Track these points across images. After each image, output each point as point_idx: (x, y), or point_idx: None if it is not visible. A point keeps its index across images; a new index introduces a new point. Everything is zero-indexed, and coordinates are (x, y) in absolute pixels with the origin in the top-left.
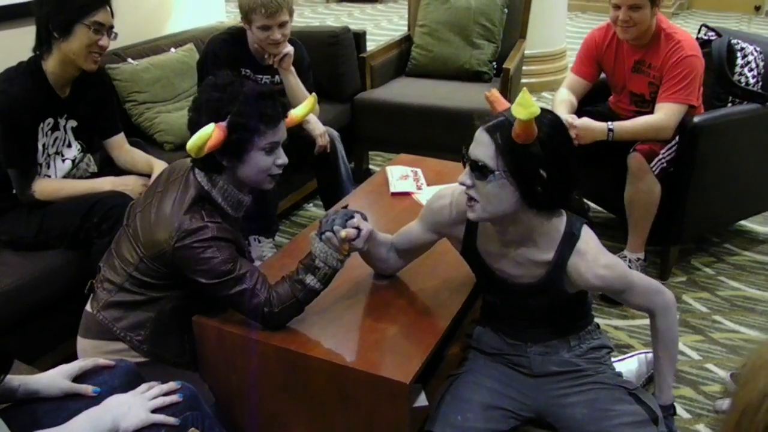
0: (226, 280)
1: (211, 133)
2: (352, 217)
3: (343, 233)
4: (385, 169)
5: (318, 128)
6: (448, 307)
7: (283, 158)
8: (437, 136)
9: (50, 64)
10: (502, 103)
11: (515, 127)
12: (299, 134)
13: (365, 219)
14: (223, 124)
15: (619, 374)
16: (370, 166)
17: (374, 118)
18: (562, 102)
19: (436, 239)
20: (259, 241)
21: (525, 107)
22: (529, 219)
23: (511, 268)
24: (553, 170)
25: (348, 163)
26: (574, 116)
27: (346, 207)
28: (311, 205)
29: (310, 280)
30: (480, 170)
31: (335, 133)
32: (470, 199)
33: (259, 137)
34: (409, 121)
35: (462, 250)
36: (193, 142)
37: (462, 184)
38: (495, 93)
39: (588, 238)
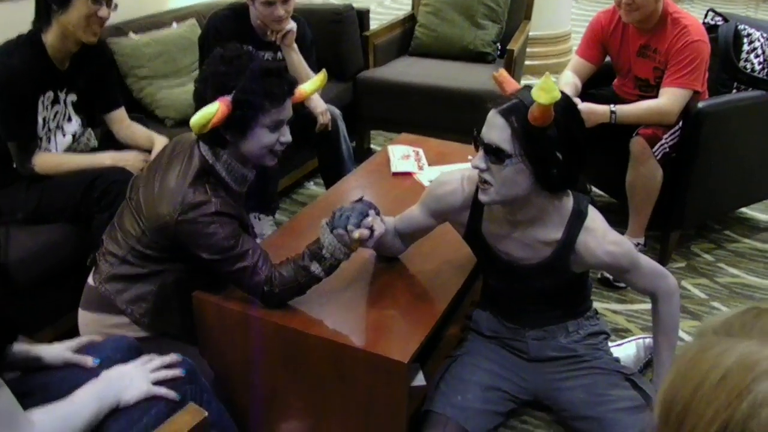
0: (228, 256)
1: (215, 111)
2: (367, 214)
3: (356, 234)
4: (386, 148)
5: (320, 106)
6: (447, 289)
7: (287, 136)
8: (439, 116)
9: (50, 37)
10: (511, 84)
11: (533, 111)
12: (301, 112)
13: (378, 213)
14: (228, 98)
15: (617, 359)
16: (372, 146)
17: (376, 97)
18: (567, 84)
19: (437, 224)
20: (259, 219)
21: (547, 92)
22: (540, 200)
23: (518, 249)
24: (568, 152)
25: (349, 142)
26: (578, 99)
27: (360, 199)
28: (312, 183)
29: (315, 267)
30: (495, 154)
31: (337, 112)
32: (484, 182)
33: (263, 114)
34: (412, 100)
35: (465, 233)
36: (196, 120)
37: (476, 167)
38: (503, 73)
39: (595, 216)
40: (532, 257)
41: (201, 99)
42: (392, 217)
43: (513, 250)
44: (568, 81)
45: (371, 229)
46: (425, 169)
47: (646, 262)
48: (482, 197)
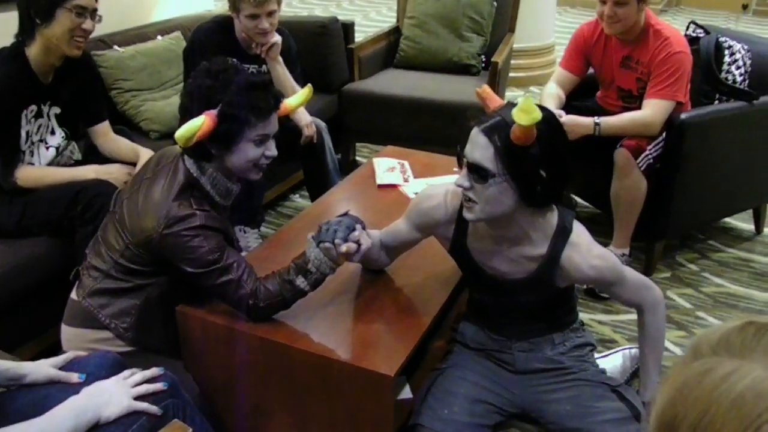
0: (213, 269)
1: (200, 125)
2: (354, 229)
3: (343, 248)
4: (371, 160)
5: (305, 118)
6: (433, 302)
7: (272, 150)
8: (424, 128)
9: (33, 51)
10: (494, 100)
11: (515, 131)
12: (286, 124)
13: (364, 228)
14: (214, 112)
15: (603, 371)
16: (357, 158)
17: (362, 109)
18: (550, 96)
19: (422, 238)
20: (245, 232)
21: (528, 113)
22: (525, 217)
23: (503, 264)
24: (552, 168)
25: (335, 155)
26: (562, 112)
27: (346, 213)
28: (297, 196)
29: (300, 281)
30: (478, 173)
31: (322, 124)
32: (468, 200)
33: (249, 129)
34: (397, 112)
35: (450, 248)
36: (181, 133)
37: (460, 186)
38: (486, 89)
39: (580, 231)
40: (517, 272)
41: (186, 112)
42: (377, 231)
43: (498, 265)
44: (552, 93)
45: (358, 243)
46: (411, 182)
47: (631, 274)
48: (467, 215)
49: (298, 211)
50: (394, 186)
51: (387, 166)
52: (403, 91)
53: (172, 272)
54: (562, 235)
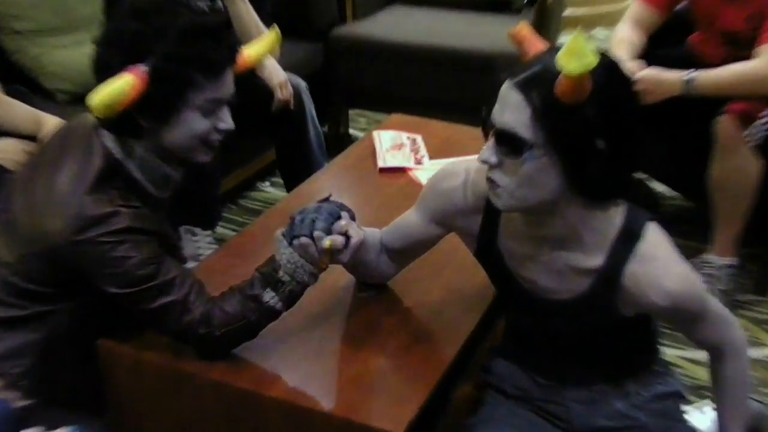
0: (146, 288)
1: (125, 87)
2: (339, 217)
3: (326, 242)
4: (371, 134)
5: (277, 76)
6: (456, 330)
7: (226, 122)
8: (444, 88)
9: None
10: (534, 43)
11: (561, 83)
12: (251, 84)
13: (353, 219)
14: (144, 68)
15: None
16: (351, 131)
17: (357, 63)
18: (623, 42)
19: (441, 234)
20: (194, 234)
21: (577, 56)
22: (574, 210)
23: (544, 276)
24: (614, 140)
25: (319, 127)
26: (640, 62)
27: (328, 198)
28: (267, 184)
29: (270, 297)
30: (510, 143)
31: (302, 84)
32: (494, 183)
33: (194, 92)
34: (406, 67)
35: (477, 249)
36: (99, 98)
37: (484, 162)
38: (524, 28)
39: (656, 240)
40: (563, 289)
41: (104, 67)
42: (377, 230)
43: (538, 277)
44: (625, 37)
45: (346, 236)
46: (425, 164)
47: (716, 305)
48: (495, 200)
49: (269, 205)
50: (402, 170)
51: (392, 143)
52: (414, 37)
53: (87, 294)
54: (627, 241)
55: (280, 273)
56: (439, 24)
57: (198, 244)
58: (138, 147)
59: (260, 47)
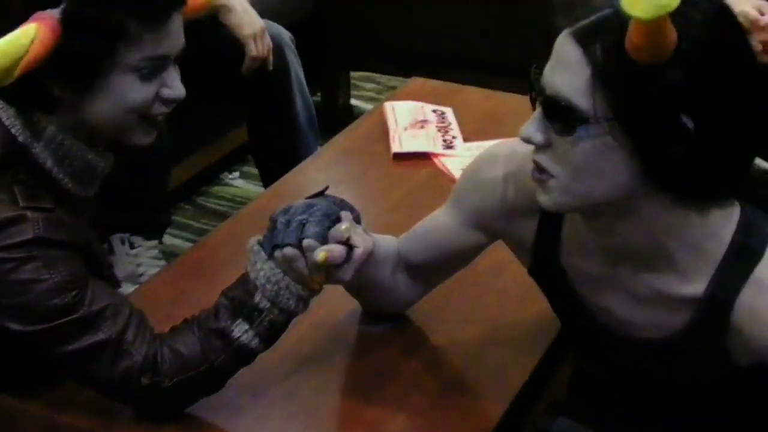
0: (64, 324)
1: (25, 41)
2: (338, 219)
3: (321, 254)
4: (382, 107)
5: (249, 24)
6: (503, 380)
7: (174, 88)
8: (483, 39)
9: None
10: None
11: (631, 32)
12: (212, 34)
13: (358, 221)
14: (54, 15)
15: None
16: (354, 102)
17: (361, 3)
18: None
19: (483, 243)
20: (132, 246)
21: None
22: (657, 213)
23: (624, 306)
24: (708, 118)
25: (309, 95)
26: (765, 4)
27: (323, 192)
28: (236, 175)
29: (241, 331)
30: (561, 115)
31: (285, 35)
32: (542, 170)
33: (126, 46)
34: (429, 10)
35: (531, 265)
36: None
37: (526, 141)
38: None
39: None
40: (651, 324)
41: (2, 16)
42: (392, 237)
43: (616, 307)
44: None
45: (348, 245)
46: (458, 148)
47: None
48: (541, 197)
49: (238, 205)
50: (425, 156)
51: (412, 118)
52: None
53: None
54: (741, 260)
55: (257, 297)
56: None
57: (138, 259)
58: (50, 125)
59: None
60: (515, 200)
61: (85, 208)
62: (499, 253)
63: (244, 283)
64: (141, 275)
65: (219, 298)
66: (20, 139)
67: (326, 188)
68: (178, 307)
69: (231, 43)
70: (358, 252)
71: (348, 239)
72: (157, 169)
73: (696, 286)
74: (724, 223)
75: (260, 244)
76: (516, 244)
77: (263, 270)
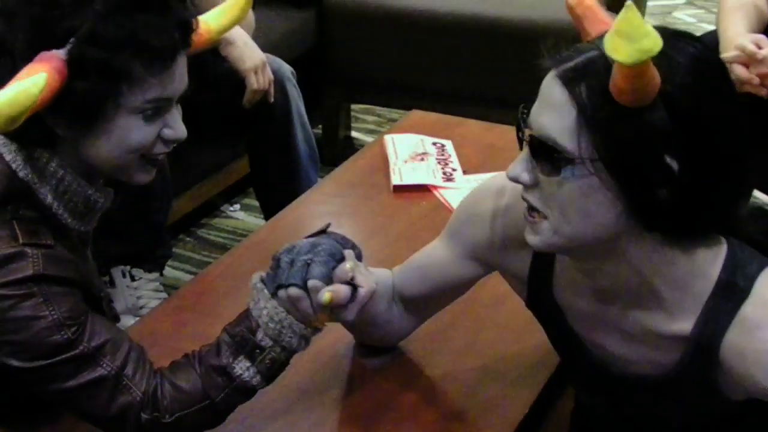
0: (63, 360)
1: (34, 92)
2: (342, 258)
3: (326, 296)
4: (382, 139)
5: (251, 57)
6: (501, 414)
7: (176, 129)
8: (483, 74)
9: None
10: (597, 17)
11: (614, 76)
12: (213, 67)
13: (360, 258)
14: (61, 55)
15: None
16: (354, 134)
17: (362, 39)
18: (737, 9)
19: (478, 274)
20: (132, 278)
21: (630, 40)
22: (643, 252)
23: (616, 342)
24: (693, 158)
25: (310, 128)
26: (763, 38)
27: (325, 230)
28: (236, 207)
29: (243, 369)
30: (548, 156)
31: (286, 69)
32: (531, 209)
33: (130, 89)
34: (429, 45)
35: (528, 299)
36: (2, 105)
37: (514, 180)
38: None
39: None
40: (643, 360)
41: (2, 51)
42: (386, 270)
43: (608, 343)
44: (743, 1)
45: (352, 284)
46: (458, 181)
47: None
48: (529, 238)
49: (239, 237)
50: (424, 188)
51: (412, 151)
52: (442, 4)
53: None
54: (727, 299)
55: (259, 335)
56: None
57: (138, 292)
58: (51, 161)
59: (224, 13)
60: (509, 234)
61: (84, 242)
62: (498, 285)
63: (247, 319)
64: (141, 308)
65: (221, 335)
66: (21, 174)
67: (328, 225)
68: (178, 340)
69: (232, 76)
70: (362, 292)
71: (352, 279)
72: (158, 201)
73: (684, 325)
74: (711, 261)
75: (263, 281)
76: (512, 277)
77: (266, 308)
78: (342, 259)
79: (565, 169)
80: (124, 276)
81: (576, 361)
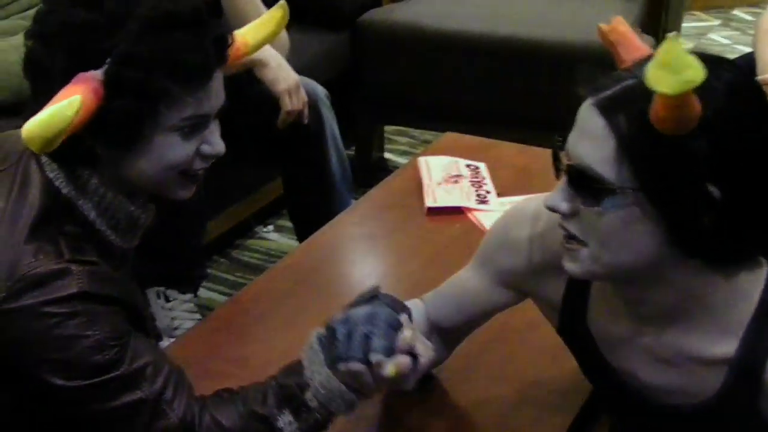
0: (104, 381)
1: (70, 114)
2: (400, 326)
3: (391, 371)
4: (416, 161)
5: (285, 79)
6: None
7: (215, 145)
8: (517, 96)
9: None
10: (631, 43)
11: (655, 105)
12: (249, 89)
13: (410, 316)
14: (98, 76)
15: None
16: (388, 155)
17: (395, 61)
18: None
19: (511, 302)
20: (168, 300)
21: (673, 71)
22: (685, 279)
23: (651, 369)
24: (735, 187)
25: (344, 150)
26: None
27: (377, 295)
28: (270, 228)
29: (286, 422)
30: (587, 186)
31: (320, 91)
32: (570, 238)
33: (168, 108)
34: (463, 66)
35: (559, 326)
36: (38, 127)
37: (552, 209)
38: (620, 23)
39: None
40: (679, 390)
41: (41, 73)
42: (417, 300)
43: (644, 372)
44: None
45: (413, 354)
46: (491, 203)
47: None
48: (568, 265)
49: (274, 258)
50: (458, 210)
51: (446, 173)
52: (475, 25)
53: (17, 389)
54: None
55: (308, 395)
56: (509, 5)
57: (173, 312)
58: (92, 179)
59: (261, 27)
60: (543, 261)
61: (126, 260)
62: (531, 311)
63: (299, 375)
64: (176, 329)
65: (269, 381)
66: (64, 191)
67: (378, 288)
68: (213, 361)
69: (266, 98)
70: (423, 362)
71: (413, 349)
72: (194, 222)
73: (725, 349)
74: (753, 282)
75: (321, 346)
76: (544, 305)
77: (319, 374)
78: (399, 326)
79: (606, 200)
80: (158, 297)
81: (608, 390)
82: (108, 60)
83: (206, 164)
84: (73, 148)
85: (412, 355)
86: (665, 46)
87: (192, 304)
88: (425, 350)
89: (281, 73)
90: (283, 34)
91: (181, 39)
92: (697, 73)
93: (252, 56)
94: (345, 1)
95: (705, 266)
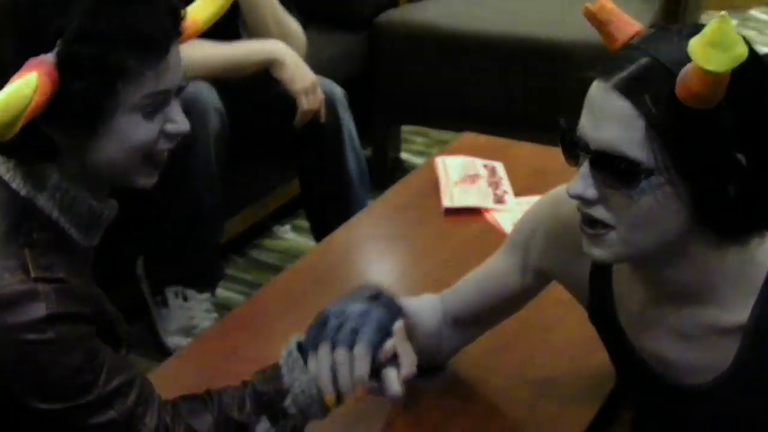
0: (80, 405)
1: (32, 90)
2: (389, 333)
3: (358, 391)
4: (433, 161)
5: (302, 78)
6: None
7: (178, 122)
8: (532, 96)
9: None
10: (623, 20)
11: (690, 81)
12: (266, 89)
13: (399, 312)
14: (49, 59)
15: None
16: (404, 155)
17: (412, 61)
18: None
19: (536, 287)
20: (186, 299)
21: (723, 48)
22: (703, 251)
23: (671, 345)
24: (761, 150)
25: (361, 150)
26: None
27: (378, 295)
28: (287, 228)
29: (264, 429)
30: (616, 170)
31: (338, 91)
32: (593, 223)
33: (127, 85)
34: (480, 67)
35: (590, 312)
36: None
37: (577, 198)
38: (606, 3)
39: None
40: (699, 365)
41: None
42: (434, 296)
43: (664, 348)
44: None
45: (396, 362)
46: (508, 203)
47: None
48: (593, 251)
49: (291, 257)
50: (476, 211)
51: (463, 173)
52: (492, 25)
53: None
54: None
55: (287, 402)
56: (527, 5)
57: (191, 312)
58: (52, 174)
59: (207, 6)
60: (574, 242)
61: (88, 260)
62: (552, 309)
63: (277, 381)
64: (194, 328)
65: (247, 388)
66: (22, 193)
67: (379, 288)
68: (230, 361)
69: (284, 98)
70: (404, 372)
71: (395, 356)
72: (211, 221)
73: (740, 315)
74: (761, 248)
75: (300, 349)
76: (574, 287)
77: (299, 381)
78: (388, 332)
79: (643, 182)
80: (176, 296)
81: (631, 374)
82: (59, 41)
83: (171, 144)
84: (30, 141)
85: (395, 363)
86: (715, 25)
87: (209, 304)
88: (409, 361)
89: (298, 72)
90: (300, 34)
91: (135, 11)
92: (744, 49)
93: (269, 56)
94: (362, 1)
95: (721, 239)
